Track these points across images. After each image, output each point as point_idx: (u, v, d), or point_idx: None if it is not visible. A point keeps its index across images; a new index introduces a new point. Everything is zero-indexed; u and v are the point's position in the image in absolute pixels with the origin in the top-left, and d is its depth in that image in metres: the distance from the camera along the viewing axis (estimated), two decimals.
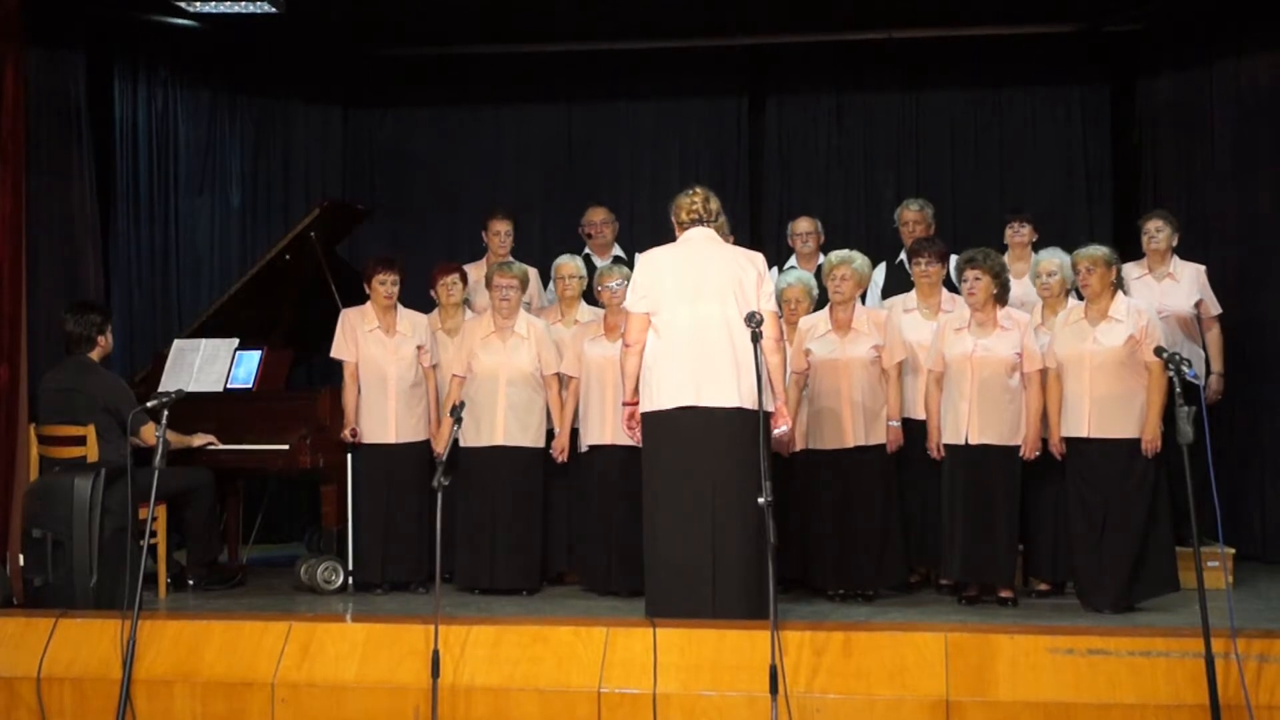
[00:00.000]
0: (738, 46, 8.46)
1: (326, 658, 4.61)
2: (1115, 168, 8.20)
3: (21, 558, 5.60)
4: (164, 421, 4.70)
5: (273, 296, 6.81)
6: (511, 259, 6.63)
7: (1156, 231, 6.37)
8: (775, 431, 4.98)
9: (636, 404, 5.01)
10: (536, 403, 6.22)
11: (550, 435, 6.27)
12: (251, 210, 8.44)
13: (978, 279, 5.70)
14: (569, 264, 6.57)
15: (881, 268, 6.83)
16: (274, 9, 7.22)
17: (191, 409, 5.90)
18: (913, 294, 6.27)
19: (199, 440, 6.20)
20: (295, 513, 8.04)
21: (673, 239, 5.15)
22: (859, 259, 6.07)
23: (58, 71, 7.10)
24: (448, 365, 6.35)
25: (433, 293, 6.59)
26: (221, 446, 6.26)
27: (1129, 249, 6.42)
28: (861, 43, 8.16)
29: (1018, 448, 5.69)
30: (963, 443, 5.70)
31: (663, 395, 4.87)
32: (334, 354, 6.31)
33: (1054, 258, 5.95)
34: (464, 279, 6.57)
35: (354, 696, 4.53)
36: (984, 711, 4.25)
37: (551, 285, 6.87)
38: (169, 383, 6.36)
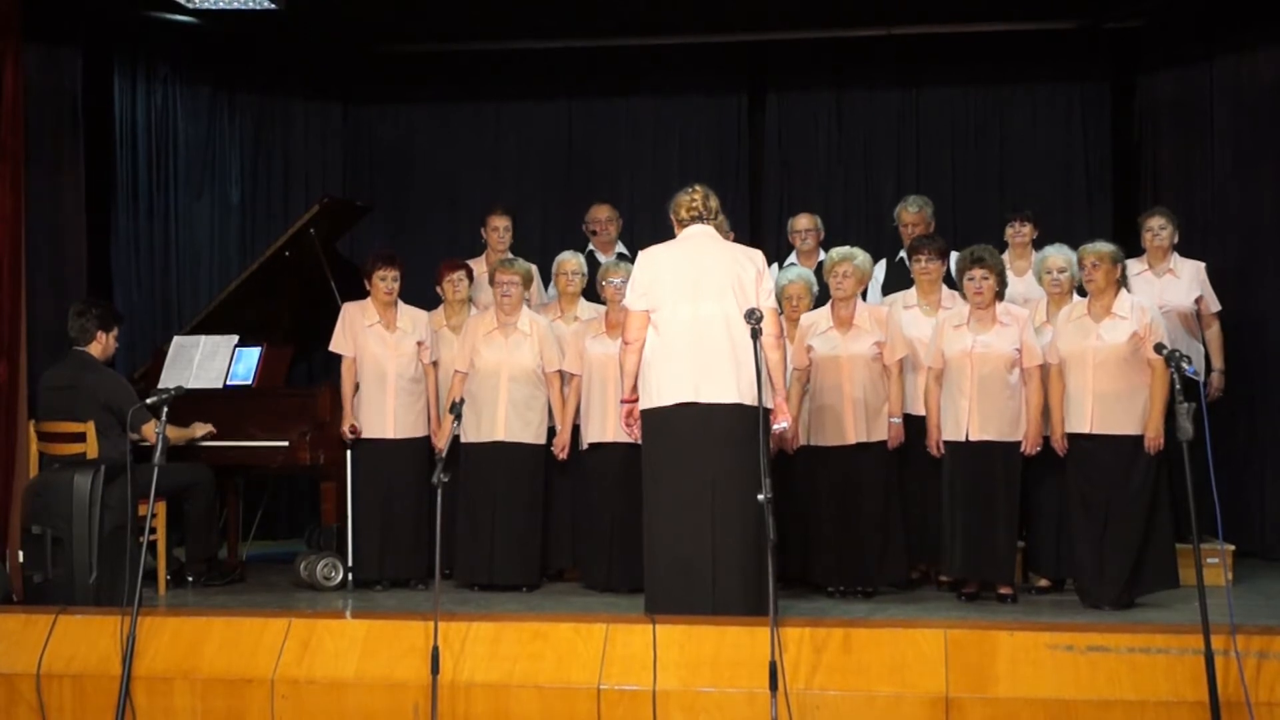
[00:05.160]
0: (738, 43, 8.46)
1: (326, 654, 4.61)
2: (1115, 165, 8.20)
3: (21, 554, 5.59)
4: (164, 418, 4.70)
5: (272, 293, 6.82)
6: (512, 255, 6.63)
7: (1160, 229, 6.37)
8: (775, 428, 4.98)
9: (635, 401, 5.01)
10: (538, 399, 6.23)
11: (552, 432, 6.27)
12: (251, 207, 8.44)
13: (985, 278, 5.70)
14: (571, 260, 6.57)
15: (881, 265, 6.83)
16: (273, 6, 7.21)
17: (191, 405, 5.92)
18: (912, 291, 6.28)
19: (200, 430, 6.19)
20: (295, 509, 8.05)
21: (672, 236, 5.15)
22: (860, 255, 6.07)
23: (55, 69, 7.09)
24: (450, 361, 6.36)
25: (439, 289, 6.59)
26: (221, 443, 6.26)
27: (1128, 246, 6.41)
28: (861, 39, 8.16)
29: (1018, 444, 5.69)
30: (963, 439, 5.70)
31: (662, 392, 4.87)
32: (332, 348, 6.31)
33: (1062, 255, 5.95)
34: (470, 276, 6.56)
35: (354, 693, 4.53)
36: (984, 708, 4.24)
37: (551, 282, 6.87)
38: (169, 379, 6.37)
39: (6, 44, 6.26)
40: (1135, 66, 8.11)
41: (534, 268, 6.75)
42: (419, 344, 6.30)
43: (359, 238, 7.97)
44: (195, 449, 6.23)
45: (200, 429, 6.20)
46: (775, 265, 6.44)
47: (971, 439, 5.68)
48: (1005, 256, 6.33)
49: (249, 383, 6.46)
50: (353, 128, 8.81)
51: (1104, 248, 5.64)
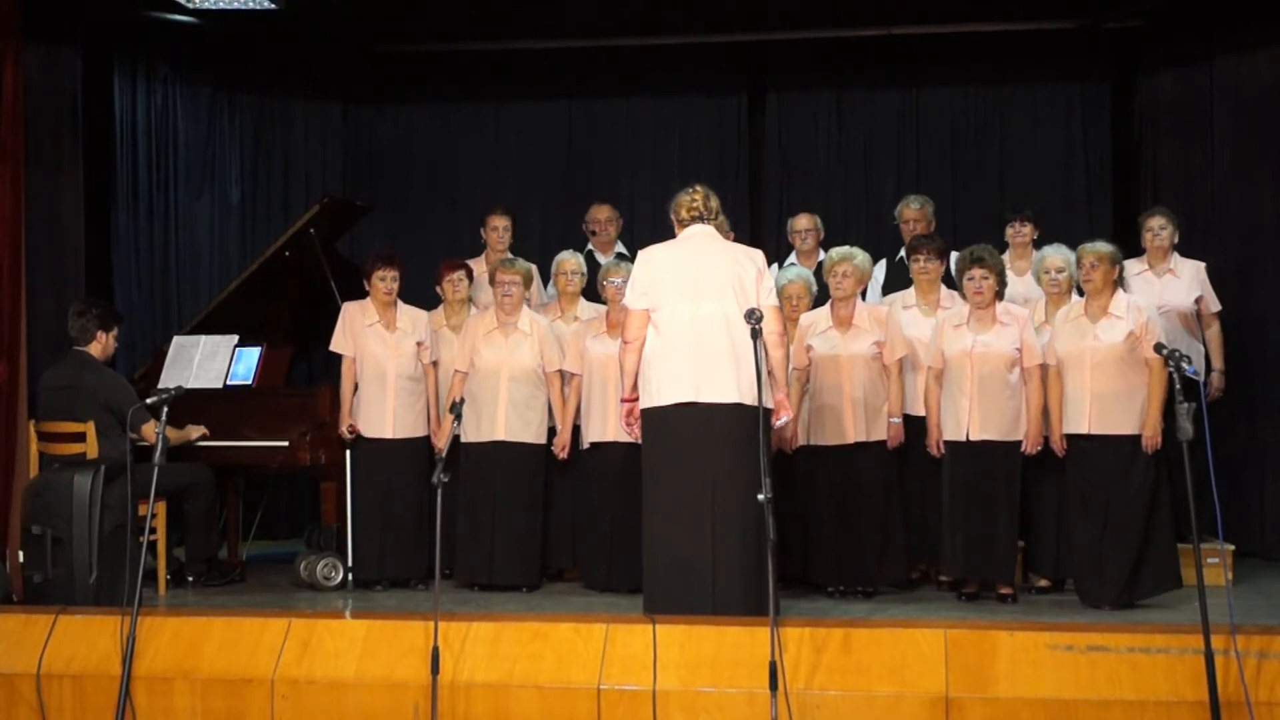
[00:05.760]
0: (738, 43, 8.46)
1: (326, 654, 4.61)
2: (1115, 165, 8.20)
3: (21, 554, 5.59)
4: (164, 418, 4.70)
5: (272, 293, 6.82)
6: (512, 255, 6.63)
7: (1160, 229, 6.36)
8: (777, 423, 4.99)
9: (635, 400, 5.01)
10: (538, 399, 6.23)
11: (552, 432, 6.27)
12: (251, 207, 8.44)
13: (985, 278, 5.70)
14: (570, 260, 6.57)
15: (882, 265, 6.83)
16: (274, 6, 7.21)
17: (191, 406, 5.92)
18: (911, 291, 6.28)
19: (195, 433, 6.20)
20: (295, 509, 8.05)
21: (672, 236, 5.15)
22: (860, 255, 6.07)
23: (55, 69, 7.09)
24: (450, 361, 6.36)
25: (439, 289, 6.59)
26: (221, 443, 6.26)
27: (1128, 246, 6.41)
28: (861, 39, 8.15)
29: (1018, 443, 5.69)
30: (963, 439, 5.70)
31: (662, 392, 4.87)
32: (333, 347, 6.31)
33: (1060, 255, 5.96)
34: (470, 276, 6.56)
35: (354, 693, 4.53)
36: (983, 708, 4.24)
37: (551, 282, 6.87)
38: (169, 379, 6.37)
39: (6, 44, 6.27)
40: (1135, 66, 8.11)
41: (534, 267, 6.76)
42: (419, 344, 6.30)
43: (359, 238, 7.97)
44: (195, 449, 6.23)
45: (195, 431, 6.20)
46: (775, 265, 6.44)
47: (972, 439, 5.68)
48: (1005, 256, 6.34)
49: (249, 383, 6.46)
50: (353, 128, 8.81)
51: (1103, 248, 5.64)
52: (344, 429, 6.18)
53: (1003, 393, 5.69)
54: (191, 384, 6.22)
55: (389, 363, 6.23)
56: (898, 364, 5.94)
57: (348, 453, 6.26)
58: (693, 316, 4.87)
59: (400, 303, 6.34)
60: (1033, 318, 5.87)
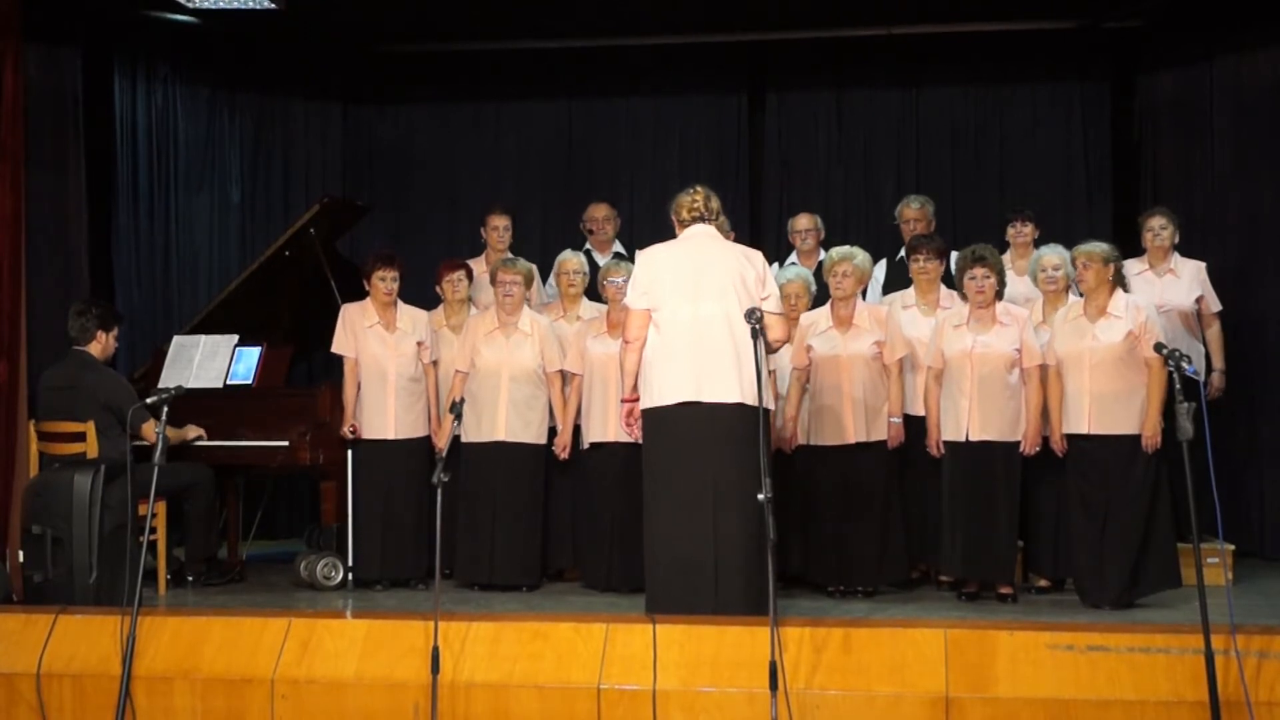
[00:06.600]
0: (738, 43, 8.46)
1: (326, 654, 4.61)
2: (1115, 164, 8.20)
3: (21, 554, 5.59)
4: (164, 418, 4.70)
5: (272, 293, 6.83)
6: (513, 255, 6.63)
7: (1160, 229, 6.37)
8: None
9: (636, 400, 5.00)
10: (539, 399, 6.23)
11: (552, 432, 6.27)
12: (251, 207, 8.44)
13: (986, 277, 5.71)
14: (572, 260, 6.57)
15: (882, 265, 6.83)
16: (273, 6, 7.21)
17: (191, 405, 5.91)
18: (911, 291, 6.29)
19: (191, 433, 6.20)
20: (295, 509, 8.05)
21: (672, 235, 5.15)
22: (860, 255, 6.08)
23: (55, 69, 7.10)
24: (451, 361, 6.36)
25: (439, 289, 6.59)
26: (221, 443, 6.26)
27: (1128, 246, 6.42)
28: (861, 39, 8.15)
29: (1018, 444, 5.69)
30: (963, 439, 5.70)
31: (663, 391, 4.87)
32: (334, 349, 6.31)
33: (1056, 253, 5.96)
34: (469, 276, 6.56)
35: (354, 693, 4.53)
36: (983, 708, 4.24)
37: (550, 282, 6.87)
38: (169, 379, 6.38)
39: (6, 44, 6.27)
40: (1135, 66, 8.11)
41: (534, 267, 6.75)
42: (419, 344, 6.30)
43: (359, 238, 7.97)
44: (195, 449, 6.23)
45: (192, 431, 6.21)
46: (775, 265, 6.44)
47: (971, 439, 5.69)
48: (1006, 256, 6.35)
49: (249, 383, 6.46)
50: (353, 128, 8.80)
51: (1094, 248, 5.63)
52: (346, 429, 6.18)
53: (1002, 393, 5.69)
54: (191, 384, 6.23)
55: (389, 363, 6.23)
56: (898, 364, 5.94)
57: (348, 453, 6.26)
58: (693, 316, 4.87)
59: (400, 303, 6.34)
60: (1031, 318, 5.87)
